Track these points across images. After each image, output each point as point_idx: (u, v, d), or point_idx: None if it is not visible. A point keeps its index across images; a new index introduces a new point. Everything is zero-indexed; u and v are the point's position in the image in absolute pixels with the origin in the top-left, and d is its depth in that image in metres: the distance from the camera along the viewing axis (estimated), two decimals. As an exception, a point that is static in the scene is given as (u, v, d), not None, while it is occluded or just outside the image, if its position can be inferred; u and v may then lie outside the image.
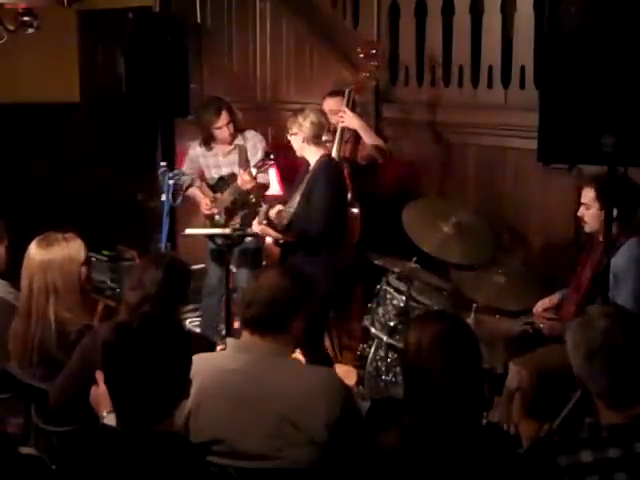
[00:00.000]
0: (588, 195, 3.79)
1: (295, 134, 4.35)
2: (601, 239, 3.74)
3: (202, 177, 5.23)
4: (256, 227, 4.41)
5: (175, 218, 5.04)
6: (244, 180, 4.77)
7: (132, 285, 3.01)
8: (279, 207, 4.45)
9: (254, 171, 4.73)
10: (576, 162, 3.82)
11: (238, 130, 5.07)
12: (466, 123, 5.11)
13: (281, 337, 2.58)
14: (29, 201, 6.76)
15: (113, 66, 6.04)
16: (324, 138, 4.46)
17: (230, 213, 5.03)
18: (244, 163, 5.02)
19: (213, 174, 5.17)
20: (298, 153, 4.43)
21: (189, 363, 2.15)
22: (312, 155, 4.36)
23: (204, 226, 5.21)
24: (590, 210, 3.79)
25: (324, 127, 4.40)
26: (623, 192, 3.61)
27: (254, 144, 5.09)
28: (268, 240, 4.72)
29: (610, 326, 2.12)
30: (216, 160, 5.14)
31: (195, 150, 5.18)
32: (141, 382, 2.04)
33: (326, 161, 4.35)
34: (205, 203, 5.10)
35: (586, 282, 3.81)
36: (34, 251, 3.26)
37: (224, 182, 5.06)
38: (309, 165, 4.40)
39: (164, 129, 5.03)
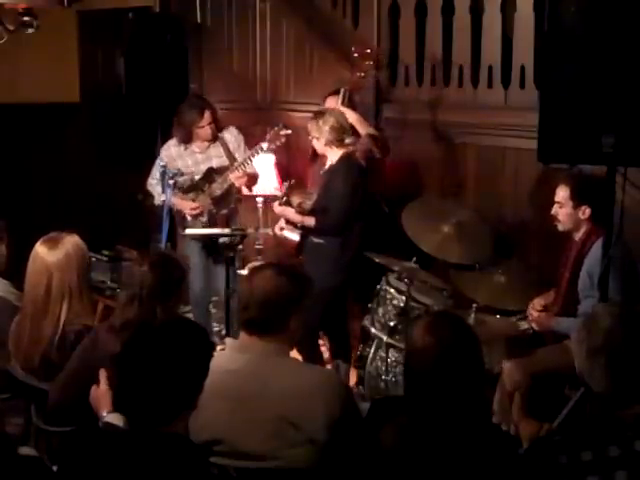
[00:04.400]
0: (562, 193, 3.78)
1: (317, 138, 4.39)
2: (576, 238, 3.78)
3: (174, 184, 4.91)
4: (277, 207, 4.59)
5: (175, 218, 5.03)
6: (236, 176, 4.78)
7: (123, 284, 3.01)
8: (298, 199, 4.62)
9: (265, 145, 4.68)
10: (576, 162, 3.82)
11: (219, 129, 5.01)
12: (466, 123, 5.11)
13: (280, 336, 2.58)
14: (29, 201, 6.75)
15: (113, 66, 6.02)
16: (347, 141, 4.49)
17: (218, 204, 4.96)
18: (230, 156, 4.97)
19: (193, 171, 5.00)
20: (320, 152, 4.54)
21: (207, 370, 2.16)
22: (334, 156, 4.48)
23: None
24: (563, 208, 3.78)
25: (345, 129, 4.47)
26: (597, 192, 3.61)
27: (235, 136, 5.03)
28: (285, 233, 4.79)
29: (613, 325, 2.12)
30: (194, 157, 5.01)
31: (170, 151, 5.02)
32: (160, 383, 2.05)
33: (345, 157, 4.46)
34: (190, 207, 4.94)
35: (565, 283, 3.82)
36: (45, 252, 3.21)
37: (214, 172, 4.95)
38: (323, 162, 4.54)
39: (164, 129, 5.03)
